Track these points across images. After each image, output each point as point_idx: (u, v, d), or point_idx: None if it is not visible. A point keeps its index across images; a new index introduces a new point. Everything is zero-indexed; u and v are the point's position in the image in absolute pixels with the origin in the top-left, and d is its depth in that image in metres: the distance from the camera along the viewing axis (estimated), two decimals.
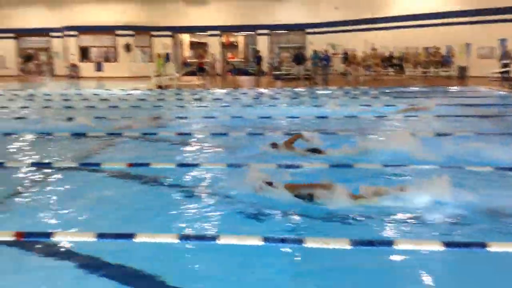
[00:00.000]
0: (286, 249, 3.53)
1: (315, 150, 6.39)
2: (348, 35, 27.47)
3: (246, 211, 4.31)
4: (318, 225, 4.06)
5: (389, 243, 3.56)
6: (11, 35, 32.01)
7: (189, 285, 3.10)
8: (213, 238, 3.61)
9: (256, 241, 3.52)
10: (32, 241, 3.70)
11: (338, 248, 3.46)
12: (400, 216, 4.17)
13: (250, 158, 6.25)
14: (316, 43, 27.84)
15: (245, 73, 29.34)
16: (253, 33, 31.80)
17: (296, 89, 18.27)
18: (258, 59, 24.38)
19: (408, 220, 4.09)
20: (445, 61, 23.73)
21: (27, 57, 30.00)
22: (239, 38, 35.43)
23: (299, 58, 23.53)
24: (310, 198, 4.37)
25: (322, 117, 10.44)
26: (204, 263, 3.45)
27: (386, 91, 16.68)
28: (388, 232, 3.92)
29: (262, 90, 18.33)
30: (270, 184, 4.63)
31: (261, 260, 3.47)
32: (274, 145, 6.63)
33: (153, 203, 4.69)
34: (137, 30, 30.61)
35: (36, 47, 32.99)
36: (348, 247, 3.45)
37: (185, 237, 3.65)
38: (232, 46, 35.43)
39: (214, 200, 4.63)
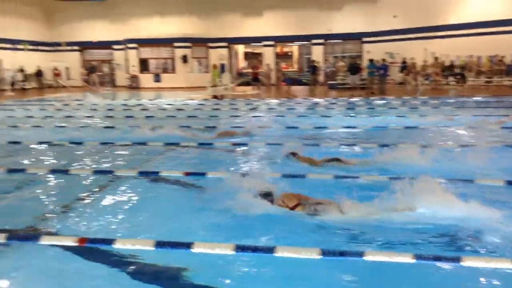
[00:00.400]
0: (345, 262, 3.41)
1: (335, 160, 6.36)
2: (407, 44, 26.78)
3: (303, 223, 4.21)
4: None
5: (455, 259, 3.35)
6: (77, 48, 33.75)
7: None
8: (269, 250, 3.54)
9: (313, 254, 3.42)
10: (93, 247, 3.79)
11: (401, 261, 3.30)
12: (462, 232, 3.94)
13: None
14: (373, 52, 27.36)
15: (300, 83, 29.25)
16: (307, 42, 31.72)
17: (352, 99, 17.96)
18: (313, 68, 24.25)
19: (471, 237, 3.86)
20: (510, 70, 22.57)
21: (91, 68, 31.48)
22: (294, 48, 35.46)
23: (353, 68, 23.17)
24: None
25: (379, 128, 10.17)
26: (260, 275, 3.39)
27: (448, 101, 16.05)
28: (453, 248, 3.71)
29: (317, 100, 18.17)
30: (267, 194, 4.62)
31: (318, 274, 3.37)
32: (294, 154, 6.69)
33: (208, 212, 4.68)
34: (194, 42, 31.39)
35: (99, 59, 34.58)
36: (412, 261, 3.28)
37: (241, 248, 3.60)
38: (286, 56, 35.53)
39: (268, 211, 4.54)
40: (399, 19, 27.42)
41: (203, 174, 6.05)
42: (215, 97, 20.38)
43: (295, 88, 26.57)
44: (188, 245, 3.62)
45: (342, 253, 3.42)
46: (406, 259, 3.30)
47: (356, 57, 30.10)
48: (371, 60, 22.55)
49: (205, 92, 21.61)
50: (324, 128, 10.29)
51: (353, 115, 13.06)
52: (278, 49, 33.91)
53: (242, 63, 36.15)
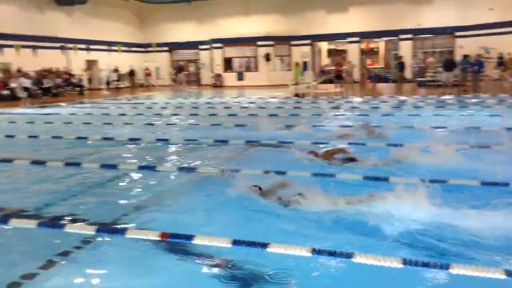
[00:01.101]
0: (429, 274, 3.19)
1: (351, 159, 6.53)
2: (504, 38, 24.79)
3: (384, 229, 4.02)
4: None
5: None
6: (166, 48, 35.32)
7: None
8: (348, 255, 3.41)
9: (395, 263, 3.24)
10: (174, 242, 3.87)
11: (490, 277, 3.02)
12: None
13: None
14: (466, 47, 25.67)
15: (386, 80, 28.26)
16: (395, 38, 30.54)
17: (443, 97, 17.02)
18: (401, 65, 23.30)
19: None
20: None
21: (178, 68, 32.78)
22: (380, 44, 34.31)
23: (449, 64, 21.80)
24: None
25: (472, 128, 9.50)
26: (335, 280, 3.31)
27: None
28: None
29: (404, 97, 17.44)
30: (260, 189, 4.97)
31: (398, 284, 3.22)
32: (313, 153, 6.84)
33: (282, 212, 4.62)
34: (277, 40, 31.52)
35: (187, 59, 35.93)
36: (503, 277, 2.99)
37: (317, 252, 3.51)
38: (372, 52, 34.46)
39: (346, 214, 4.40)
40: (495, 12, 25.48)
41: (283, 173, 5.99)
42: (296, 95, 20.31)
43: (381, 86, 25.73)
44: (264, 245, 3.59)
45: (425, 264, 3.20)
46: (497, 275, 3.02)
47: (447, 52, 28.47)
48: (465, 56, 21.20)
49: (287, 90, 21.60)
50: (411, 128, 9.83)
51: (443, 114, 12.33)
52: (364, 45, 33.01)
53: (325, 61, 35.65)
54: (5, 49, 23.47)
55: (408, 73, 26.48)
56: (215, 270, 3.48)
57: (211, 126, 11.31)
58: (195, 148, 8.53)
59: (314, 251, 3.49)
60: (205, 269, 3.52)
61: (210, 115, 13.87)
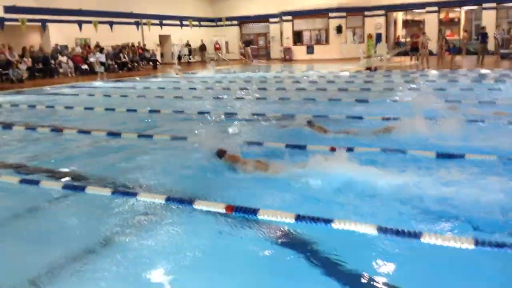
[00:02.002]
0: (501, 255, 2.99)
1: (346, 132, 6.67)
2: None
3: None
4: None
5: None
6: (235, 22, 35.41)
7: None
8: (415, 235, 3.27)
9: (466, 244, 3.06)
10: (238, 215, 3.88)
11: None
12: None
13: None
14: None
15: (466, 52, 26.53)
16: (477, 7, 28.47)
17: None
18: (483, 36, 21.72)
19: None
20: None
21: (246, 42, 32.79)
22: (460, 14, 32.18)
23: None
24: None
25: None
26: (402, 261, 3.19)
27: None
28: None
29: (485, 71, 16.33)
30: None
31: (469, 266, 3.07)
32: (310, 123, 7.03)
33: (349, 188, 4.50)
34: (350, 11, 30.50)
35: (256, 33, 35.82)
36: None
37: (384, 230, 3.40)
38: (451, 23, 32.42)
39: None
40: None
41: (351, 150, 5.79)
42: (368, 68, 19.66)
43: (461, 58, 24.23)
44: (328, 221, 3.54)
45: (499, 245, 2.99)
46: None
47: None
48: None
49: (359, 63, 20.98)
50: (492, 103, 9.18)
51: None
52: (443, 15, 31.10)
53: (400, 32, 34.08)
54: (84, 25, 24.62)
55: (491, 45, 24.67)
56: (278, 246, 3.47)
57: (279, 100, 11.25)
58: (261, 121, 8.52)
59: (380, 229, 3.39)
60: (267, 245, 3.50)
61: (278, 89, 13.79)
